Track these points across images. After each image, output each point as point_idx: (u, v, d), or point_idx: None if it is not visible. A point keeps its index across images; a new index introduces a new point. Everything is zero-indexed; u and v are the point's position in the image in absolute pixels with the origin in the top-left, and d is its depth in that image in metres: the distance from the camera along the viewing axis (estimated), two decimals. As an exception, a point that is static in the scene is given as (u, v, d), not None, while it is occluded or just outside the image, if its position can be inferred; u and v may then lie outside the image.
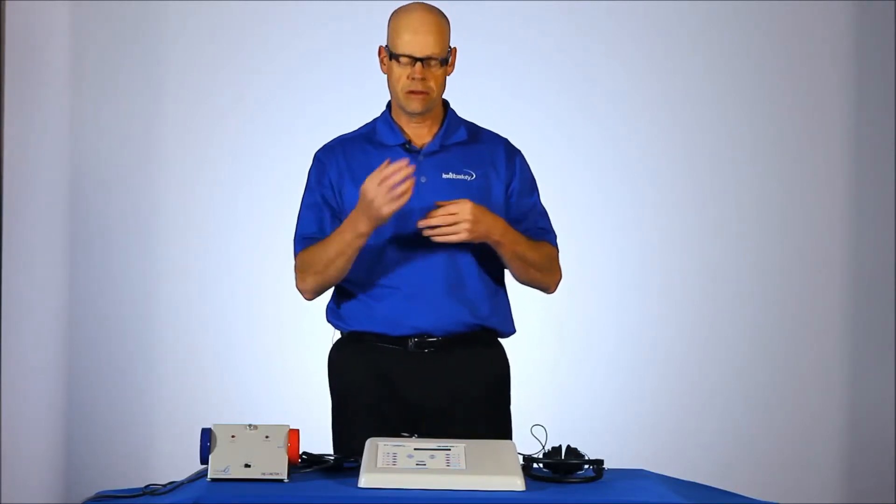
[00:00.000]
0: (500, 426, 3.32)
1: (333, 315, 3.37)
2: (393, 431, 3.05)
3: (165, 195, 5.08)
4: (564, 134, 5.16)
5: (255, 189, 5.08)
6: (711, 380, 5.18)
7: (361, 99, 5.12)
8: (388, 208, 3.08)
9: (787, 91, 5.21)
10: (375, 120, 3.38)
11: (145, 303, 5.06)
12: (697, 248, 5.19)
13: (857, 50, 5.21)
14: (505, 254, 3.24)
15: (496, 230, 3.19)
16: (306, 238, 3.32)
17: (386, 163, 3.07)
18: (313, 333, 4.94)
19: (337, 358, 3.37)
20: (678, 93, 5.19)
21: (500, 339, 3.40)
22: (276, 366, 5.05)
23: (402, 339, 3.27)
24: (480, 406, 3.30)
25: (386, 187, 3.05)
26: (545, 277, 3.35)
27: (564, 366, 5.11)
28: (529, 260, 3.28)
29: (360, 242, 3.17)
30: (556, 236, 3.41)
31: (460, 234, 3.14)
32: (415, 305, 3.24)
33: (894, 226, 5.18)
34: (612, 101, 5.17)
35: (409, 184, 3.06)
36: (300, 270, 3.31)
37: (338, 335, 3.39)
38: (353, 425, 3.24)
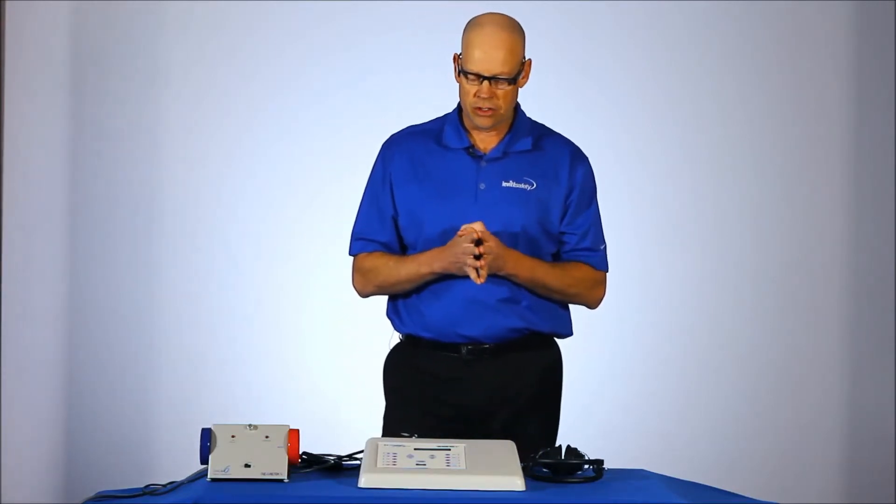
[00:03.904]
0: (548, 426, 3.35)
1: (393, 313, 3.40)
2: (444, 434, 3.07)
3: (166, 195, 5.07)
4: (563, 134, 5.15)
5: (255, 189, 5.08)
6: (711, 380, 5.17)
7: (363, 98, 5.13)
8: (467, 266, 3.16)
9: (787, 91, 5.20)
10: (446, 116, 3.38)
11: (145, 303, 5.06)
12: (697, 248, 5.19)
13: (858, 50, 5.20)
14: (520, 283, 3.28)
15: (507, 263, 3.22)
16: (364, 239, 3.37)
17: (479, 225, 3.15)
18: (313, 333, 4.94)
19: (392, 361, 3.41)
20: (677, 93, 5.19)
21: (556, 340, 3.43)
22: (276, 366, 5.05)
23: (454, 346, 3.30)
24: (528, 409, 3.33)
25: (471, 249, 3.14)
26: (575, 300, 3.40)
27: (564, 366, 5.10)
28: (551, 287, 3.31)
29: (431, 278, 3.26)
30: (602, 254, 3.42)
31: (478, 277, 3.18)
32: (468, 315, 3.28)
33: (894, 226, 5.18)
34: (611, 101, 5.17)
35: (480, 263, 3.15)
36: (362, 275, 3.37)
37: (396, 336, 3.42)
38: (403, 426, 3.22)
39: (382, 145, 3.40)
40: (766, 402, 5.19)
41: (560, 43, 5.14)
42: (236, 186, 5.09)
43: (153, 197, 5.08)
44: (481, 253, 3.16)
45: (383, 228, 3.35)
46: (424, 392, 3.32)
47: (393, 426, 3.33)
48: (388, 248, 3.35)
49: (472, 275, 3.17)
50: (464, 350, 3.29)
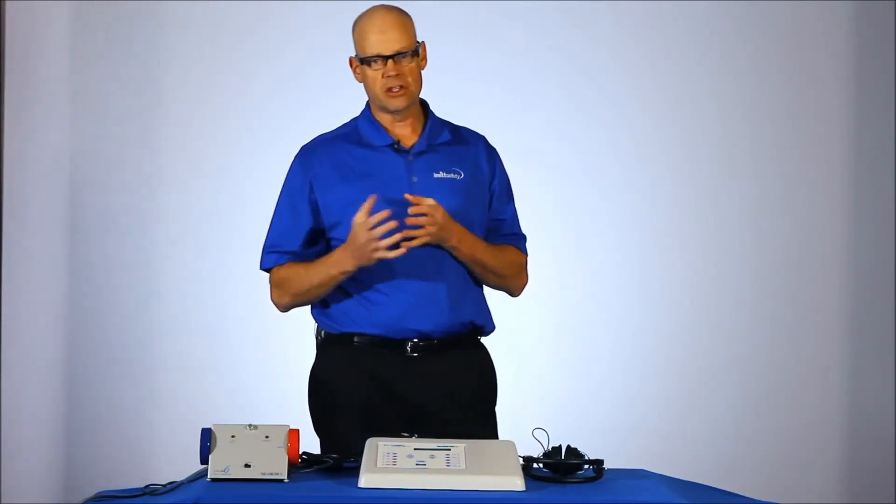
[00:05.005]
0: (489, 424, 3.34)
1: (322, 314, 3.36)
2: (387, 434, 3.03)
3: (165, 195, 5.08)
4: (563, 134, 5.16)
5: (255, 189, 5.07)
6: (711, 379, 5.18)
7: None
8: (378, 254, 3.13)
9: (787, 91, 5.21)
10: (355, 120, 3.40)
11: (145, 303, 5.06)
12: (697, 248, 5.19)
13: (858, 50, 5.21)
14: (461, 258, 3.27)
15: (453, 235, 3.22)
16: (277, 252, 3.33)
17: (371, 200, 3.11)
18: (313, 333, 4.94)
19: (326, 360, 3.35)
20: (677, 93, 5.19)
21: (482, 339, 3.41)
22: (276, 366, 5.05)
23: (399, 342, 3.27)
24: (472, 405, 3.31)
25: (375, 235, 3.11)
26: (506, 282, 3.40)
27: (564, 366, 5.11)
28: (489, 266, 3.31)
29: (345, 278, 3.23)
30: (525, 240, 3.44)
31: (422, 239, 3.16)
32: (420, 309, 3.25)
33: (894, 226, 5.18)
34: (610, 102, 5.17)
35: (399, 236, 3.12)
36: (276, 287, 3.34)
37: (321, 334, 3.38)
38: (346, 429, 3.22)
39: (297, 155, 3.38)
40: (766, 402, 5.19)
41: (560, 43, 5.15)
42: (236, 186, 5.09)
43: (153, 197, 5.08)
44: (421, 224, 3.13)
45: (296, 238, 3.31)
46: (369, 392, 3.26)
47: (339, 431, 3.26)
48: (299, 258, 3.31)
49: (388, 255, 3.12)
50: (408, 346, 3.27)
